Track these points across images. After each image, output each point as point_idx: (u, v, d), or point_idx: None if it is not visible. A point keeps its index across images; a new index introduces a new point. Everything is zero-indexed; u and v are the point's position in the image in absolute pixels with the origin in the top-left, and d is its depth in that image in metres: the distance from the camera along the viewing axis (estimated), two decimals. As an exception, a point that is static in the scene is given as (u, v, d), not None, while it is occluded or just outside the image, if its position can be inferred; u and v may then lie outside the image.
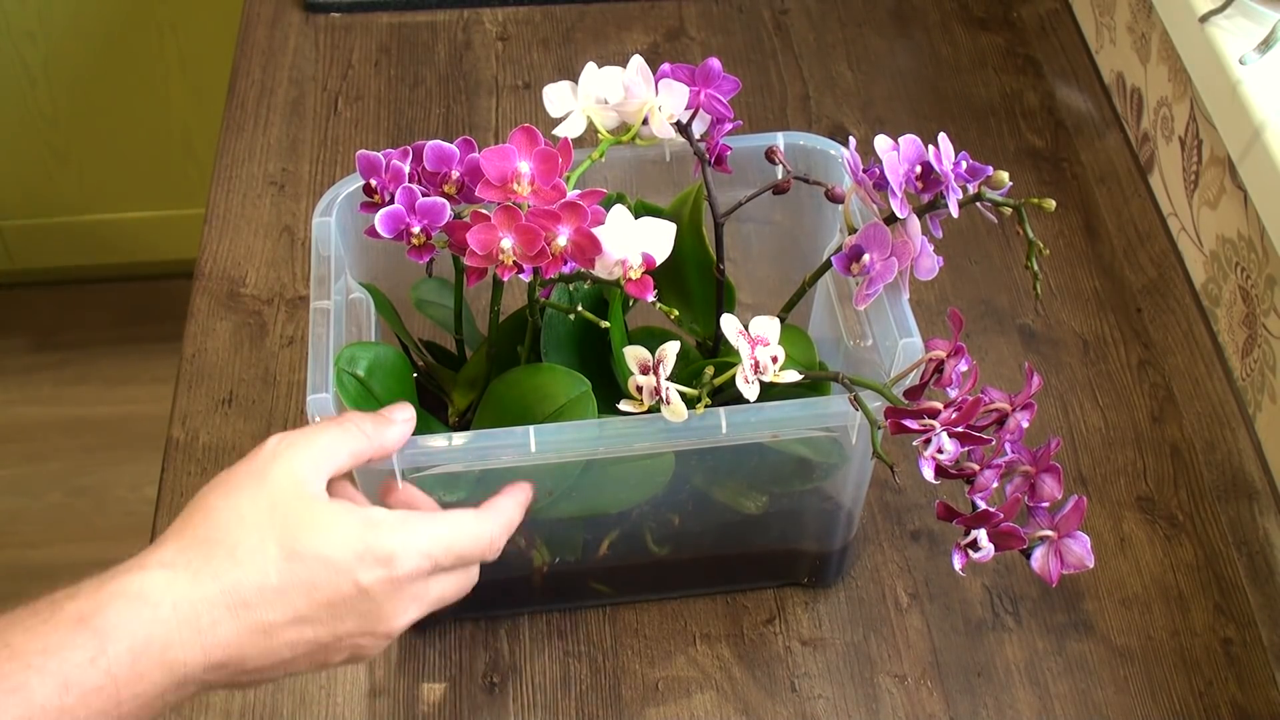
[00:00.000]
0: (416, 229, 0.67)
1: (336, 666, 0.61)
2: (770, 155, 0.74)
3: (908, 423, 0.62)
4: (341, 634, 0.58)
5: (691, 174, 0.74)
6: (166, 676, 0.54)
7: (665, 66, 0.72)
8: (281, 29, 1.17)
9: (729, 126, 0.73)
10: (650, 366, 0.64)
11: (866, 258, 0.68)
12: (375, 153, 0.68)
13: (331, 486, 0.61)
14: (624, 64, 0.71)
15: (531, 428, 0.66)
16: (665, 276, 0.78)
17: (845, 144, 0.71)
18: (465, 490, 0.71)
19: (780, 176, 0.73)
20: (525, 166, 0.63)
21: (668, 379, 0.64)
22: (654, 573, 0.81)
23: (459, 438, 0.67)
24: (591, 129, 0.72)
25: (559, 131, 0.71)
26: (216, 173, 1.05)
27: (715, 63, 0.71)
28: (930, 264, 0.69)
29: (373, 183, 0.68)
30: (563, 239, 0.63)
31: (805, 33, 1.18)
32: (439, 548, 0.60)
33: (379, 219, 0.66)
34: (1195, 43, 0.91)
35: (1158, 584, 0.83)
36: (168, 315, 1.44)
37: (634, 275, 0.64)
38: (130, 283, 2.06)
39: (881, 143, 0.67)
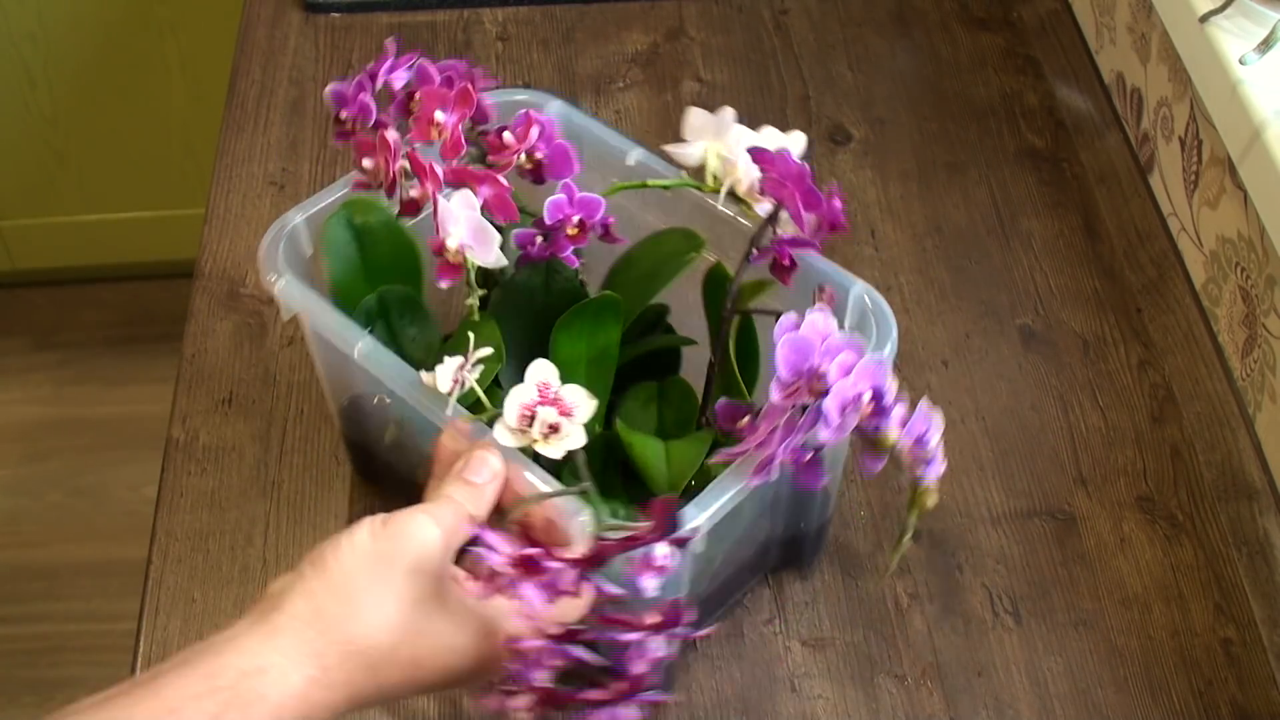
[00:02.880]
0: (344, 115, 0.72)
1: None
2: (818, 292, 0.70)
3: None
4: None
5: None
6: None
7: (782, 151, 0.68)
8: (281, 29, 1.17)
9: (794, 237, 0.69)
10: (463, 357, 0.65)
11: (745, 420, 0.63)
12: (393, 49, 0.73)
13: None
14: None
15: (365, 338, 0.69)
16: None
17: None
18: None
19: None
20: (441, 116, 0.69)
21: (471, 375, 0.64)
22: None
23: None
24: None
25: (670, 148, 0.73)
26: (216, 173, 1.05)
27: (806, 170, 0.67)
28: (774, 471, 0.61)
29: (368, 65, 0.73)
30: (414, 192, 0.68)
31: (805, 33, 1.18)
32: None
33: (330, 88, 0.72)
34: (1195, 43, 0.91)
35: (1158, 584, 0.83)
36: (168, 315, 1.45)
37: (448, 256, 0.68)
38: (130, 283, 2.06)
39: (812, 324, 0.60)
